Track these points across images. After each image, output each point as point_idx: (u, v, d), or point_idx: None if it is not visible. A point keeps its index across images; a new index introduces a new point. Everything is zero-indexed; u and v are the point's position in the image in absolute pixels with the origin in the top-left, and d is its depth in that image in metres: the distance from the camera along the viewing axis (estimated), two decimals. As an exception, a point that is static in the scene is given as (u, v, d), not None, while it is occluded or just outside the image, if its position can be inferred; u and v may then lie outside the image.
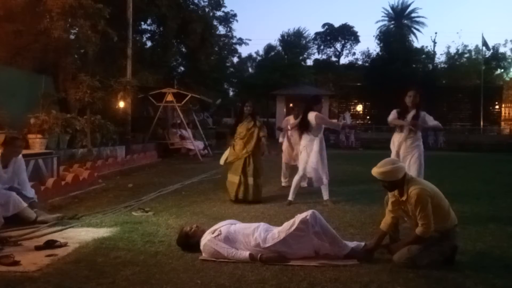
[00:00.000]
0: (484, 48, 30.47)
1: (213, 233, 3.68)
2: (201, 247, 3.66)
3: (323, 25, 39.71)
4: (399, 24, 39.34)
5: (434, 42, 34.91)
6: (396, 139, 5.46)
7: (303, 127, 6.12)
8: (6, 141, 4.94)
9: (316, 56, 40.20)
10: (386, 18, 40.99)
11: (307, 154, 6.02)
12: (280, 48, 39.36)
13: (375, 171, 3.55)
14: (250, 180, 6.28)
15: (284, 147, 8.14)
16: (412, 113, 5.36)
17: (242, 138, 6.36)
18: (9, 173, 4.90)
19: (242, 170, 6.28)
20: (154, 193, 6.87)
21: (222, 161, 6.64)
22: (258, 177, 6.40)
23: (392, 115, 5.48)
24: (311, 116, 6.01)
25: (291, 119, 7.99)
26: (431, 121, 5.40)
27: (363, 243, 3.74)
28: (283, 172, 8.04)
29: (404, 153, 5.35)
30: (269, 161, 8.78)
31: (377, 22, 50.59)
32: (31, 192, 5.07)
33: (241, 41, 29.85)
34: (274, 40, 56.53)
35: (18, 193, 4.80)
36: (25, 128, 8.31)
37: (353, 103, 32.03)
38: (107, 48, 13.62)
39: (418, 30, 40.06)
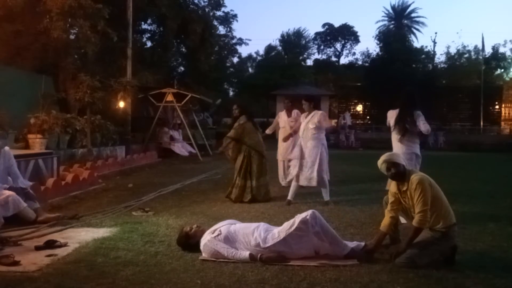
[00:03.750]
0: (481, 48, 30.60)
1: (213, 233, 3.68)
2: (201, 247, 3.66)
3: (323, 25, 39.81)
4: (399, 24, 39.38)
5: (434, 42, 34.91)
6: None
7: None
8: None
9: (316, 56, 40.31)
10: (386, 18, 41.10)
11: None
12: (280, 48, 39.39)
13: (381, 159, 3.75)
14: (254, 183, 6.30)
15: (279, 145, 7.89)
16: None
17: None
18: (0, 166, 4.88)
19: (244, 173, 6.31)
20: (154, 193, 6.86)
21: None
22: (261, 177, 6.41)
23: None
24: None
25: (283, 115, 7.90)
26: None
27: (363, 243, 3.74)
28: (281, 173, 7.82)
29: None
30: (269, 161, 8.76)
31: (377, 22, 50.64)
32: (24, 182, 5.05)
33: (241, 41, 29.86)
34: (274, 40, 56.49)
35: (17, 193, 4.80)
36: (25, 128, 8.31)
37: (353, 103, 32.05)
38: (107, 48, 13.61)
39: (418, 30, 40.21)
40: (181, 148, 14.53)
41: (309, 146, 6.05)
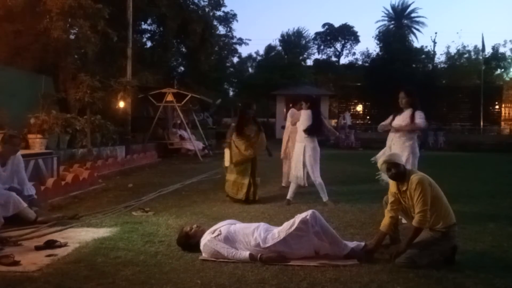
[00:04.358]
0: (481, 48, 30.60)
1: (213, 233, 3.68)
2: (201, 247, 3.66)
3: (323, 25, 39.80)
4: (399, 24, 39.35)
5: (434, 42, 34.83)
6: (390, 137, 5.43)
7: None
8: (4, 139, 4.94)
9: (316, 56, 40.30)
10: (386, 18, 41.08)
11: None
12: (280, 48, 39.41)
13: (382, 159, 3.79)
14: (258, 181, 6.44)
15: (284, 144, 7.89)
16: (406, 112, 5.27)
17: (249, 141, 6.38)
18: (8, 171, 4.91)
19: (252, 172, 6.34)
20: (154, 193, 6.86)
21: (227, 163, 6.55)
22: (259, 176, 6.55)
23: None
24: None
25: (297, 114, 7.88)
26: (417, 119, 5.23)
27: (363, 243, 3.74)
28: (286, 173, 7.73)
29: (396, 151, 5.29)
30: (269, 161, 8.77)
31: (377, 22, 50.62)
32: (30, 189, 5.08)
33: (241, 41, 29.92)
34: (274, 40, 56.52)
35: (18, 193, 4.80)
36: (25, 128, 8.31)
37: (353, 103, 31.99)
38: (107, 48, 13.63)
39: (418, 30, 40.18)
40: (194, 144, 14.59)
41: (296, 146, 6.22)
